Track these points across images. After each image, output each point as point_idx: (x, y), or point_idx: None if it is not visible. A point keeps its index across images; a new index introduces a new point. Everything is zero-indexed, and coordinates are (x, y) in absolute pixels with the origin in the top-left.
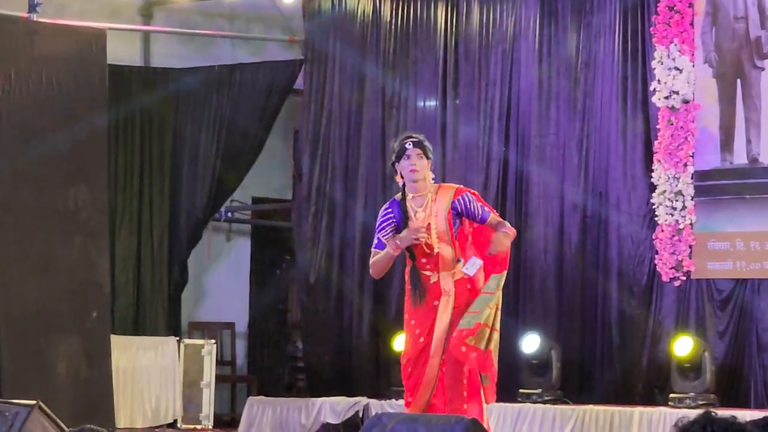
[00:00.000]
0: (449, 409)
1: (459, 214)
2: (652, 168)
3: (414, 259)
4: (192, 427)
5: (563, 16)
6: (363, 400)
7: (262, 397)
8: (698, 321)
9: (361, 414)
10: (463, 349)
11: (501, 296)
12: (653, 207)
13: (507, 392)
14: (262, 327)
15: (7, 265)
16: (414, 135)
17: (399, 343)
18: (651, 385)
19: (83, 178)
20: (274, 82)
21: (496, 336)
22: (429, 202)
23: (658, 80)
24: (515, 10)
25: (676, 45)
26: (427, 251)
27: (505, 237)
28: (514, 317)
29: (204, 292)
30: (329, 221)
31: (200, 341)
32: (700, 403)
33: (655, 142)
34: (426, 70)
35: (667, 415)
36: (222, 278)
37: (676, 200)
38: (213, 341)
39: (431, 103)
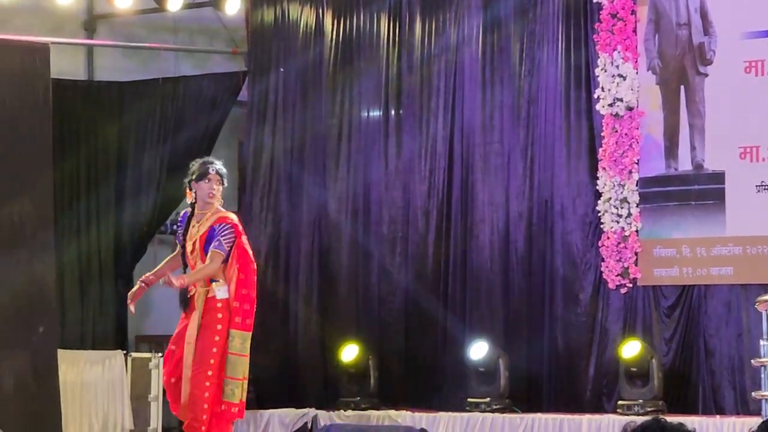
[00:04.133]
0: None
1: (212, 237)
2: (597, 175)
3: (185, 270)
4: None
5: (506, 24)
6: (311, 412)
7: None
8: (645, 328)
9: (309, 425)
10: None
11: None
12: (599, 214)
13: (455, 401)
14: None
15: None
16: (215, 161)
17: (346, 353)
18: (599, 392)
19: (27, 192)
20: (218, 94)
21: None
22: (204, 221)
23: (602, 88)
24: (458, 19)
25: (619, 52)
26: (190, 264)
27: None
28: (461, 326)
29: (150, 305)
30: (274, 232)
31: (147, 354)
32: (649, 410)
33: (600, 150)
34: (369, 81)
35: (615, 423)
36: (168, 291)
37: (622, 207)
38: (160, 354)
39: (375, 113)
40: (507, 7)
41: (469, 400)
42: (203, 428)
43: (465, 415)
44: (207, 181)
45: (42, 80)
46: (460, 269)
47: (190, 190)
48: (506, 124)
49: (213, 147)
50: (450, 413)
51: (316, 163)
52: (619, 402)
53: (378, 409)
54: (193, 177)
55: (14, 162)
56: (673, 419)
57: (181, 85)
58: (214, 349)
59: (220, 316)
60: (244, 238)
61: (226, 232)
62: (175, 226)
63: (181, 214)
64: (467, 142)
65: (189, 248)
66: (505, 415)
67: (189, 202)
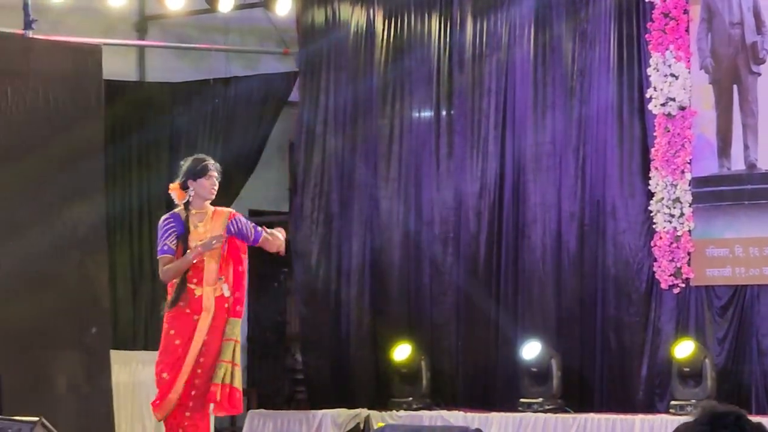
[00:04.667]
0: (189, 419)
1: (232, 234)
2: (650, 175)
3: (184, 272)
4: None
5: (558, 24)
6: (363, 412)
7: (263, 410)
8: (698, 328)
9: (362, 426)
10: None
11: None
12: (651, 214)
13: (508, 402)
14: (261, 339)
15: (5, 282)
16: (208, 157)
17: (398, 353)
18: (651, 392)
19: (80, 193)
20: (268, 94)
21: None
22: (208, 219)
23: (654, 87)
24: (509, 19)
25: (671, 52)
26: (196, 263)
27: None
28: (513, 326)
29: None
30: (325, 232)
31: None
32: None
33: (652, 150)
34: (420, 81)
35: (668, 423)
36: None
37: (674, 207)
38: None
39: (426, 114)
40: (558, 6)
41: (522, 400)
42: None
43: (517, 415)
44: (208, 177)
45: (94, 81)
46: (511, 269)
47: (185, 189)
48: (558, 124)
49: (264, 148)
50: (502, 413)
51: (368, 164)
52: (672, 402)
53: (430, 410)
54: (191, 175)
55: (67, 163)
56: None
57: (232, 85)
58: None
59: (225, 315)
60: None
61: (245, 220)
62: (167, 233)
63: (168, 218)
64: (519, 142)
65: None
66: (557, 415)
67: (180, 203)
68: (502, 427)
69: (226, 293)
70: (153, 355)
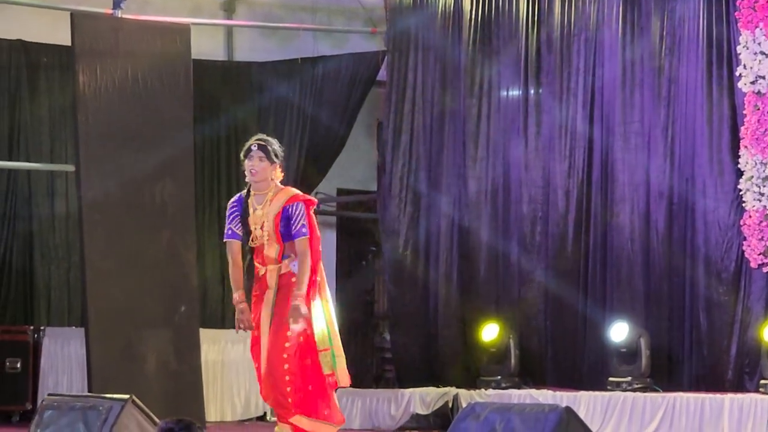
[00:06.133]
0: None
1: (288, 218)
2: (739, 153)
3: (251, 253)
4: None
5: (646, 2)
6: (452, 391)
7: (352, 388)
8: None
9: (450, 404)
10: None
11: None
12: (740, 193)
13: (596, 381)
14: (349, 318)
15: (96, 261)
16: (263, 138)
17: (486, 332)
18: (740, 371)
19: (169, 172)
20: (356, 73)
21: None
22: (267, 202)
23: (744, 65)
24: None
25: (761, 29)
26: (257, 246)
27: (294, 310)
28: (602, 306)
29: None
30: (414, 211)
31: None
32: None
33: (742, 128)
34: (508, 60)
35: (758, 402)
36: None
37: (764, 186)
38: None
39: (514, 93)
40: None
41: (610, 379)
42: (289, 401)
43: (606, 394)
44: (250, 159)
45: (183, 61)
46: (600, 248)
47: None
48: (647, 103)
49: (352, 127)
50: (591, 392)
51: (456, 143)
52: (762, 381)
53: (519, 389)
54: (242, 155)
55: (157, 142)
56: None
57: (319, 65)
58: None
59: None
60: (311, 211)
61: (301, 211)
62: (230, 216)
63: (233, 201)
64: (607, 121)
65: (258, 233)
66: (646, 394)
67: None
68: (591, 406)
69: (294, 269)
70: (241, 334)
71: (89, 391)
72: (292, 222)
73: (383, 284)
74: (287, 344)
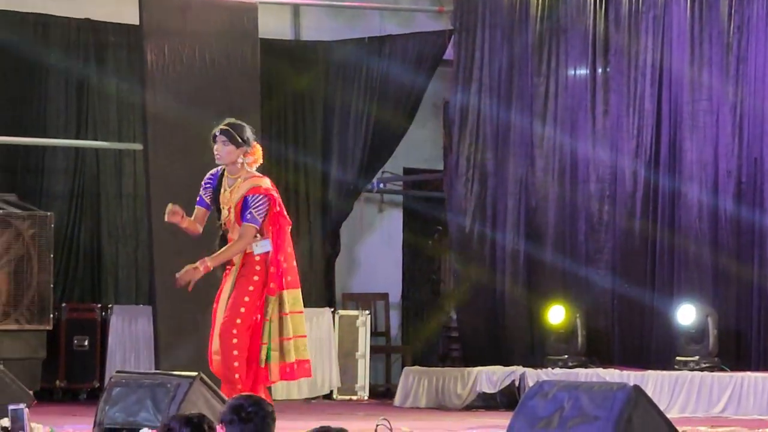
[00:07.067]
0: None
1: (247, 207)
2: None
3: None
4: (348, 398)
5: None
6: (519, 370)
7: (418, 367)
8: None
9: (517, 383)
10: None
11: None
12: None
13: (663, 360)
14: (415, 297)
15: (163, 239)
16: (228, 123)
17: (553, 312)
18: None
19: None
20: (423, 52)
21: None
22: (236, 187)
23: None
24: None
25: None
26: (225, 229)
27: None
28: (669, 284)
29: (356, 263)
30: (480, 190)
31: (354, 312)
32: None
33: None
34: (576, 38)
35: None
36: (374, 249)
37: None
38: (367, 312)
39: (582, 72)
40: None
41: (678, 358)
42: (236, 376)
43: (674, 373)
44: (214, 143)
45: (250, 40)
46: (667, 227)
47: None
48: (715, 82)
49: (419, 106)
50: (658, 372)
51: (523, 122)
52: None
53: (585, 368)
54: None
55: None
56: None
57: (386, 44)
58: (246, 299)
59: (258, 268)
60: (279, 201)
61: (260, 203)
62: (202, 186)
63: (209, 173)
64: (675, 99)
65: (225, 213)
66: (713, 373)
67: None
68: (658, 385)
69: (258, 251)
70: (308, 312)
71: (156, 369)
72: (247, 209)
73: (449, 263)
74: (238, 321)
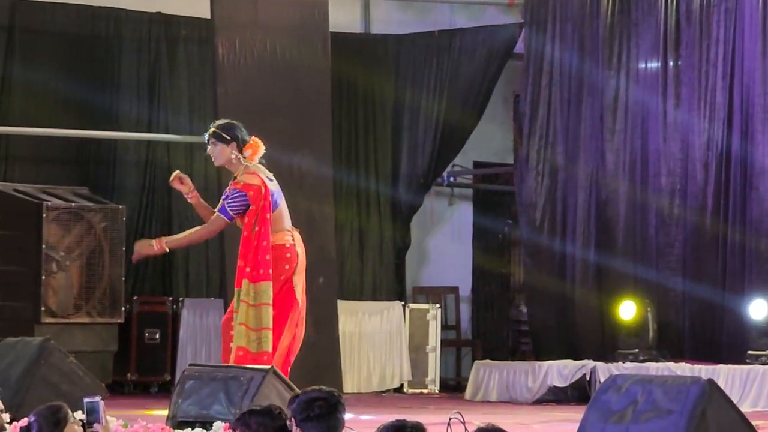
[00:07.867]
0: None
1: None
2: None
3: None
4: (418, 391)
5: None
6: (590, 364)
7: (489, 360)
8: None
9: (588, 377)
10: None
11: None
12: None
13: (735, 354)
14: (485, 291)
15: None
16: (217, 123)
17: (624, 306)
18: None
19: (308, 144)
20: (493, 46)
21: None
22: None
23: None
24: None
25: None
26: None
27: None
28: (740, 278)
29: (427, 256)
30: (551, 184)
31: (425, 306)
32: None
33: None
34: (647, 32)
35: None
36: (444, 243)
37: None
38: (438, 305)
39: (653, 65)
40: None
41: (750, 352)
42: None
43: (745, 367)
44: (208, 149)
45: (320, 33)
46: (739, 221)
47: None
48: None
49: (489, 100)
50: (730, 366)
51: (593, 115)
52: None
53: (656, 361)
54: None
55: (295, 114)
56: None
57: (456, 37)
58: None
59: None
60: (261, 204)
61: (236, 197)
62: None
63: None
64: (747, 92)
65: None
66: None
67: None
68: (730, 379)
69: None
70: (379, 306)
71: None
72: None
73: (519, 257)
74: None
